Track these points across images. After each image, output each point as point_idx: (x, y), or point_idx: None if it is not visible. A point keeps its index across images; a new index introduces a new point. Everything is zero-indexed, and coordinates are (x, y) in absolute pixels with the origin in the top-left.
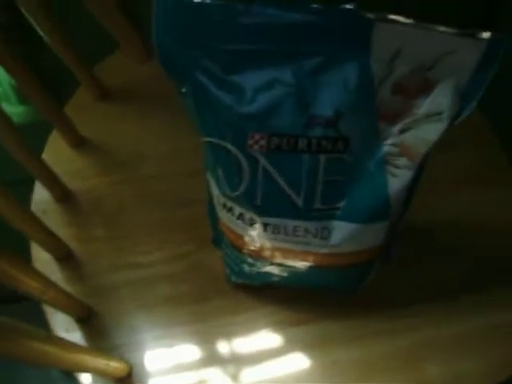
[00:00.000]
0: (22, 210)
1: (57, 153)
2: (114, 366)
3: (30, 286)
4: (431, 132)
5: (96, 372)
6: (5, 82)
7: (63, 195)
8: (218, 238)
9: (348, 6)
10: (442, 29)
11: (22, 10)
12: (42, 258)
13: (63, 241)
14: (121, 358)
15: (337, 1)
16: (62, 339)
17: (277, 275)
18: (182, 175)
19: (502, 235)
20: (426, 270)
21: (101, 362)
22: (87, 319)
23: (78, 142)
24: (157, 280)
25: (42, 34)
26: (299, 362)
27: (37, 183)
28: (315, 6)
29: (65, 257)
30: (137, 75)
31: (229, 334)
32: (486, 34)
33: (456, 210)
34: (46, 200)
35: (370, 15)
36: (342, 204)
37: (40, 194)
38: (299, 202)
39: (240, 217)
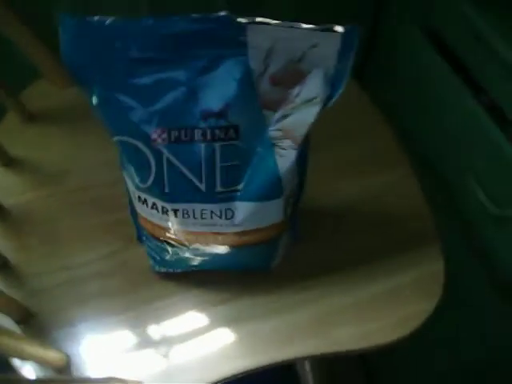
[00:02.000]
0: None
1: None
2: (52, 355)
3: None
4: (308, 115)
5: (35, 359)
6: None
7: None
8: (141, 234)
9: (222, 13)
10: (303, 26)
11: None
12: None
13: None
14: (59, 350)
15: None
16: (7, 329)
17: (195, 260)
18: (104, 185)
19: (392, 213)
20: (330, 246)
21: (39, 351)
22: (26, 320)
23: (8, 162)
24: (88, 278)
25: None
26: (224, 336)
27: None
28: (193, 15)
29: (1, 266)
30: (61, 100)
31: (158, 318)
32: (339, 28)
33: (354, 194)
34: None
35: (242, 19)
36: (240, 186)
37: None
38: (202, 186)
39: (153, 207)
